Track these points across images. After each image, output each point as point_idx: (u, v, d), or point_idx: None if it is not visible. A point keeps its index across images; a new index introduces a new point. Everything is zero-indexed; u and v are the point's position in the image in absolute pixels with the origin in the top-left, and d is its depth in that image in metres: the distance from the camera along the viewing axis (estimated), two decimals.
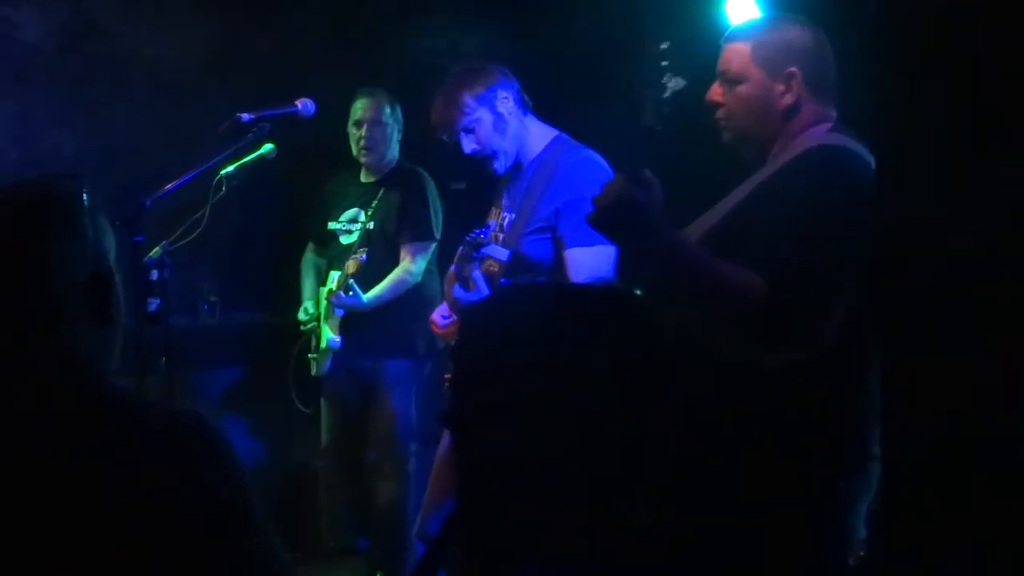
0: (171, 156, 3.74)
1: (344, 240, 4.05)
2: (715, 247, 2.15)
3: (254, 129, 3.28)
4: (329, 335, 3.95)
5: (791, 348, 2.11)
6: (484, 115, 2.99)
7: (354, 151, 3.94)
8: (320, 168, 4.25)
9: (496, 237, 3.08)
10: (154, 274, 3.19)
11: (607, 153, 3.05)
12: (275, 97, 3.43)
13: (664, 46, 2.13)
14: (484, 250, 2.87)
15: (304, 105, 3.42)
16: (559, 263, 2.94)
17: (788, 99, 2.31)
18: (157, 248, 3.22)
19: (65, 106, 4.43)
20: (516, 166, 3.06)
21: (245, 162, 3.38)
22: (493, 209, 3.17)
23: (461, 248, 2.91)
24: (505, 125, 3.01)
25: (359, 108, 3.91)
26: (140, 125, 4.49)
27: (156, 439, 1.44)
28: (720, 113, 2.34)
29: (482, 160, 3.03)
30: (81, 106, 4.44)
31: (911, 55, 1.50)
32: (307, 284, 4.17)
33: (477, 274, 2.84)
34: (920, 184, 1.49)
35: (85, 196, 1.52)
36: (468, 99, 3.00)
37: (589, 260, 2.89)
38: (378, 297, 3.86)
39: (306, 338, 4.10)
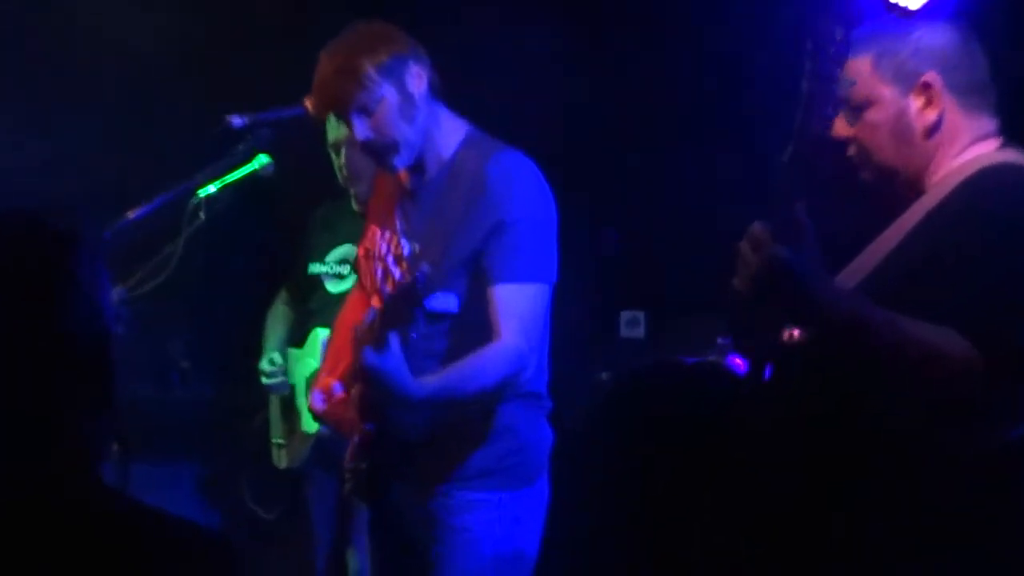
0: (137, 172, 3.78)
1: (333, 288, 4.10)
2: (873, 301, 2.23)
3: (249, 137, 3.30)
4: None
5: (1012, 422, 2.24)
6: (389, 94, 2.96)
7: (340, 180, 3.97)
8: (333, 190, 4.22)
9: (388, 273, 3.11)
10: None
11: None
12: (276, 96, 3.40)
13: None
14: (433, 303, 2.82)
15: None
16: (475, 301, 2.94)
17: (930, 115, 2.42)
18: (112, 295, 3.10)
19: (5, 111, 4.52)
20: (417, 168, 3.04)
21: (233, 180, 3.32)
22: (375, 230, 3.19)
23: (388, 296, 2.84)
24: (415, 110, 2.99)
25: (334, 126, 3.88)
26: (99, 133, 4.52)
27: (169, 564, 1.50)
28: (852, 151, 2.45)
29: (377, 152, 3.02)
30: (26, 108, 4.52)
31: None
32: (273, 335, 4.22)
33: (395, 338, 2.76)
34: None
35: (82, 238, 1.56)
36: (370, 70, 2.94)
37: (523, 302, 2.91)
38: None
39: (263, 416, 4.15)
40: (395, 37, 3.01)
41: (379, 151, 3.01)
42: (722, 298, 2.83)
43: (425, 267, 2.73)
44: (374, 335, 2.77)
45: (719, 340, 3.71)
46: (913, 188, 2.44)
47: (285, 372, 4.10)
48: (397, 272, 3.10)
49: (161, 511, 1.58)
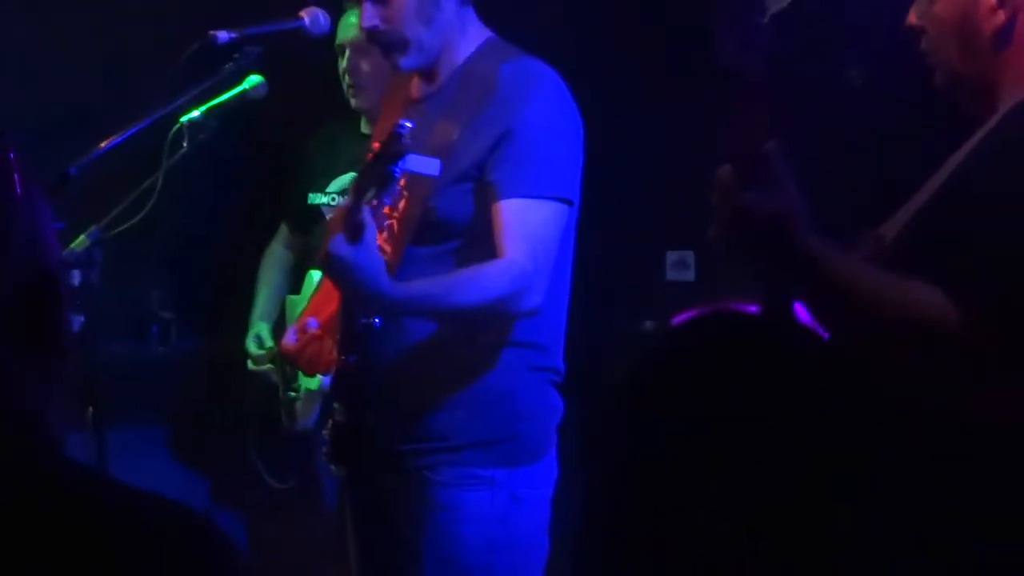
0: (109, 97, 3.80)
1: None
2: (908, 254, 2.24)
3: (236, 55, 3.17)
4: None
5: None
6: None
7: (344, 88, 3.99)
8: (333, 114, 4.19)
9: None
10: (76, 277, 3.07)
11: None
12: (269, 7, 3.34)
13: None
14: (408, 162, 2.71)
15: (313, 18, 3.24)
16: (481, 222, 2.89)
17: (999, 17, 2.34)
18: (83, 237, 3.09)
19: None
20: (429, 75, 3.02)
21: (220, 103, 3.20)
22: (376, 146, 3.13)
23: (366, 165, 2.80)
24: (437, 12, 2.97)
25: (344, 26, 3.85)
26: (63, 44, 4.42)
27: (138, 551, 1.43)
28: (924, 43, 2.40)
29: (382, 45, 3.00)
30: None
31: None
32: (263, 294, 4.23)
33: (370, 220, 2.72)
34: None
35: (11, 165, 1.50)
36: None
37: (532, 221, 2.85)
38: None
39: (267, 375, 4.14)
40: None
41: (384, 45, 2.97)
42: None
43: (407, 121, 2.69)
44: (346, 220, 2.70)
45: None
46: (985, 106, 2.37)
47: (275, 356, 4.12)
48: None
49: (125, 484, 1.51)
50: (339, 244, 2.69)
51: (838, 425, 1.35)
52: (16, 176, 1.48)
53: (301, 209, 4.13)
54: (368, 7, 2.93)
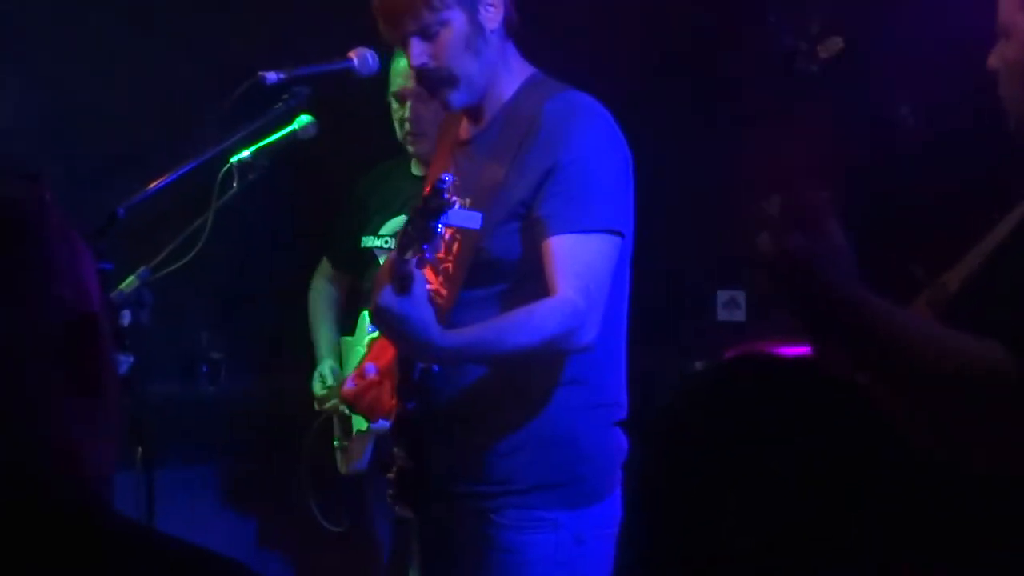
0: (157, 134, 3.78)
1: None
2: (974, 304, 2.22)
3: (285, 96, 3.18)
4: None
5: None
6: (458, 20, 2.93)
7: (398, 134, 3.99)
8: (383, 154, 4.19)
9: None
10: (126, 317, 3.07)
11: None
12: (317, 47, 3.35)
13: None
14: (450, 217, 2.71)
15: (362, 59, 3.22)
16: (530, 260, 2.87)
17: None
18: (132, 277, 3.09)
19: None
20: (476, 114, 3.03)
21: (270, 143, 3.20)
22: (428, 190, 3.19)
23: (410, 219, 2.77)
24: (483, 45, 2.97)
25: (400, 74, 3.87)
26: (110, 85, 4.39)
27: None
28: (1000, 87, 2.38)
29: (433, 83, 2.99)
30: (18, 52, 4.37)
31: None
32: (323, 334, 4.24)
33: (419, 273, 2.72)
34: None
35: (48, 205, 1.49)
36: None
37: (582, 255, 2.83)
38: None
39: (323, 418, 4.15)
40: None
41: (435, 82, 2.96)
42: None
43: (448, 175, 2.69)
44: (393, 272, 2.70)
45: None
46: None
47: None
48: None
49: (160, 532, 1.51)
50: (387, 296, 2.69)
51: (855, 449, 1.38)
52: (52, 218, 1.49)
53: (353, 251, 4.13)
54: (416, 44, 2.93)
